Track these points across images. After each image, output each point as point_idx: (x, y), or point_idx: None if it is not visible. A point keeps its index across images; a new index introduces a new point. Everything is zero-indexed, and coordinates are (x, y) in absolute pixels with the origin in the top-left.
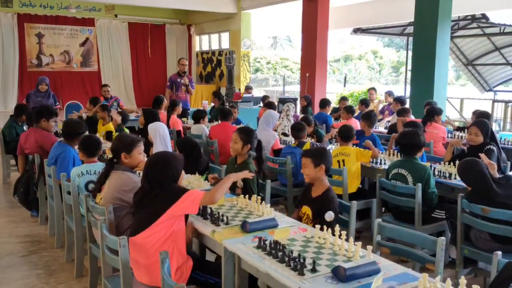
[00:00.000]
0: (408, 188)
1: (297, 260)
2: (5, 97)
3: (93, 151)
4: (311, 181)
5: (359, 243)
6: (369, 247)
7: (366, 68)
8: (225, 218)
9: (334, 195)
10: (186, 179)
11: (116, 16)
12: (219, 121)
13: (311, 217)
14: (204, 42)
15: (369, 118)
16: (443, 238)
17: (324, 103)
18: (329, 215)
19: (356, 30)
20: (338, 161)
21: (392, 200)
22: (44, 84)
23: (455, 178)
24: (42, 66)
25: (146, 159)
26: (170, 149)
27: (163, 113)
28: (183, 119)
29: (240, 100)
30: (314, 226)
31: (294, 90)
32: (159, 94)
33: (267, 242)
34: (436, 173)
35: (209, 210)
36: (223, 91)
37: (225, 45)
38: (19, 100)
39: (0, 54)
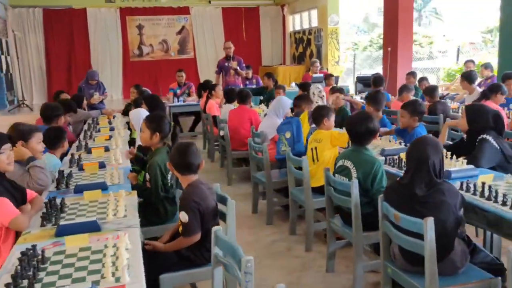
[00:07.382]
0: (345, 185)
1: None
2: (111, 87)
3: (54, 143)
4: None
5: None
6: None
7: None
8: (53, 219)
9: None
10: None
11: (210, 2)
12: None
13: None
14: (296, 22)
15: (374, 99)
16: None
17: (377, 80)
18: (183, 216)
19: None
20: (312, 149)
21: (334, 199)
22: (96, 78)
23: None
24: (143, 56)
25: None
26: None
27: (214, 101)
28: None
29: (310, 81)
30: None
31: (420, 66)
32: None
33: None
34: None
35: (59, 205)
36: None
37: (314, 23)
38: (123, 90)
39: (107, 47)
